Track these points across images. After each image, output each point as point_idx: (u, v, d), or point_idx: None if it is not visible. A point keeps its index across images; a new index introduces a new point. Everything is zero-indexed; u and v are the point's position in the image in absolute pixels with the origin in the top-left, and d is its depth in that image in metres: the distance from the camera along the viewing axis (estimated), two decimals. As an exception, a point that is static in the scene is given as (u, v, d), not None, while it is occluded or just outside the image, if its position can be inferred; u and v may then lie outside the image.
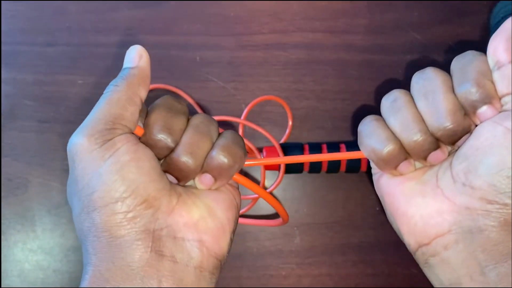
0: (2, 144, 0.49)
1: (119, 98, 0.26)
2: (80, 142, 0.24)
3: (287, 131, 0.49)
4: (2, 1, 0.54)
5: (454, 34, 0.53)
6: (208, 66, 0.51)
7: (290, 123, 0.49)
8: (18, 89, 0.51)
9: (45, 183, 0.49)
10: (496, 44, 0.26)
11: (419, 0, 0.55)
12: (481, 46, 0.53)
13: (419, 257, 0.27)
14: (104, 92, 0.26)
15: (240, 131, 0.48)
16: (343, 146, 0.47)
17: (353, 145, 0.47)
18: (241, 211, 0.46)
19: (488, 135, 0.25)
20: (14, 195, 0.48)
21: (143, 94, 0.27)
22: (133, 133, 0.26)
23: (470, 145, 0.25)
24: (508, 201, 0.23)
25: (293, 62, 0.52)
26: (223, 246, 0.26)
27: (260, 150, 0.49)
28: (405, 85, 0.51)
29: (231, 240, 0.27)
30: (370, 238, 0.48)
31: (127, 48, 0.28)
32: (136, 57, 0.27)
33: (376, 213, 0.48)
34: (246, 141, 0.48)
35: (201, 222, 0.26)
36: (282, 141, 0.49)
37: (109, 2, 0.53)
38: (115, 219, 0.24)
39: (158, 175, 0.25)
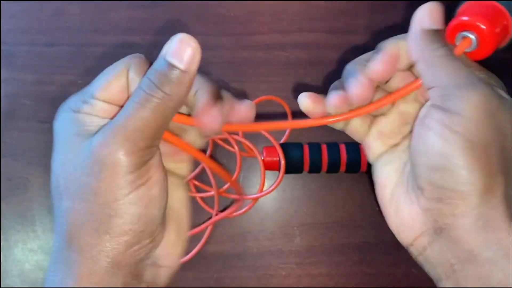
0: (2, 144, 0.49)
1: (166, 108, 0.22)
2: (117, 157, 0.21)
3: (287, 131, 0.49)
4: (2, 1, 0.54)
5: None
6: (208, 66, 0.51)
7: (290, 123, 0.49)
8: (18, 89, 0.51)
9: (45, 183, 0.49)
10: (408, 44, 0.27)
11: (419, 0, 0.55)
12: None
13: (412, 254, 0.28)
14: (141, 88, 0.22)
15: (240, 132, 0.48)
16: (343, 146, 0.47)
17: (353, 145, 0.47)
18: (241, 211, 0.47)
19: (419, 136, 0.26)
20: (14, 195, 0.48)
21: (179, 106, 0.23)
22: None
23: (411, 149, 0.27)
24: (452, 194, 0.24)
25: (293, 62, 0.52)
26: (177, 260, 0.27)
27: (260, 150, 0.49)
28: (405, 85, 0.52)
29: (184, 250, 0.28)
30: (370, 238, 0.48)
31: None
32: (190, 56, 0.23)
33: (376, 213, 0.48)
34: (246, 141, 0.48)
35: (174, 251, 0.26)
36: (282, 141, 0.49)
37: (109, 2, 0.53)
38: (120, 248, 0.22)
39: (166, 202, 0.25)
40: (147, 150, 0.22)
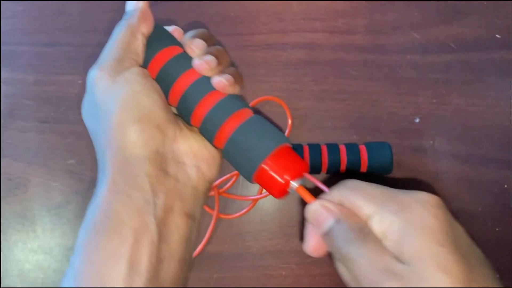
0: (2, 144, 0.49)
1: (123, 36, 0.30)
2: (96, 74, 0.29)
3: (287, 131, 0.49)
4: (2, 1, 0.54)
5: (454, 34, 0.53)
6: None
7: (289, 122, 0.49)
8: (18, 89, 0.51)
9: (45, 183, 0.49)
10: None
11: (419, 0, 0.55)
12: (480, 46, 0.53)
13: None
14: (111, 35, 0.30)
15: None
16: (343, 147, 0.47)
17: (353, 146, 0.47)
18: (241, 213, 0.47)
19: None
20: (14, 195, 0.48)
21: (144, 30, 0.31)
22: (141, 67, 0.30)
23: None
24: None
25: (293, 62, 0.52)
26: (214, 172, 0.30)
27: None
28: (405, 84, 0.52)
29: (220, 169, 0.31)
30: (370, 238, 0.48)
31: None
32: (134, 1, 0.31)
33: (376, 213, 0.48)
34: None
35: (199, 152, 0.30)
36: (282, 141, 0.49)
37: (109, 2, 0.53)
38: (130, 139, 0.27)
39: (166, 106, 0.29)
40: (118, 64, 0.29)
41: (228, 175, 0.47)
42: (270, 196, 0.47)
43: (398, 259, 0.22)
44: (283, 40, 0.53)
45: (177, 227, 0.27)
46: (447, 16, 0.54)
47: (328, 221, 0.25)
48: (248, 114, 0.30)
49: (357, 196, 0.25)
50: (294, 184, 0.28)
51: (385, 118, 0.50)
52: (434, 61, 0.52)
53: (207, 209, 0.47)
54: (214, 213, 0.46)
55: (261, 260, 0.46)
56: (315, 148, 0.46)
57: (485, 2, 0.54)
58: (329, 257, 0.27)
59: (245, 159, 0.28)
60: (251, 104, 0.49)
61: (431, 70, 0.52)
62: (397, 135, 0.50)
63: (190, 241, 0.29)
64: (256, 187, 0.48)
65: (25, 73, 0.52)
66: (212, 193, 0.47)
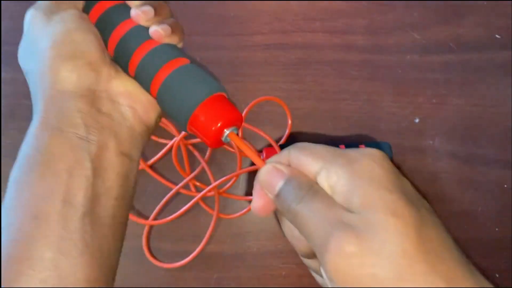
0: (2, 144, 0.49)
1: None
2: (32, 13, 0.29)
3: (287, 131, 0.49)
4: (2, 1, 0.54)
5: (454, 34, 0.53)
6: (208, 66, 0.51)
7: (289, 122, 0.49)
8: (18, 89, 0.51)
9: (45, 183, 0.49)
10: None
11: (419, 0, 0.55)
12: (480, 46, 0.53)
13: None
14: None
15: (240, 133, 0.48)
16: (342, 147, 0.47)
17: (352, 146, 0.47)
18: (241, 213, 0.47)
19: None
20: (14, 195, 0.48)
21: None
22: (80, 11, 0.30)
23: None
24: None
25: (293, 62, 0.52)
26: (151, 117, 0.31)
27: (260, 151, 0.49)
28: (404, 84, 0.52)
29: (159, 117, 0.32)
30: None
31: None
32: None
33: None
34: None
35: (134, 94, 0.30)
36: (281, 141, 0.49)
37: (109, 2, 0.53)
38: (63, 74, 0.27)
39: (101, 47, 0.29)
40: (54, 5, 0.30)
41: (228, 176, 0.47)
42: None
43: (349, 211, 0.22)
44: (283, 40, 0.53)
45: (113, 164, 0.27)
46: (447, 16, 0.54)
47: (279, 183, 0.24)
48: (184, 62, 0.29)
49: (305, 155, 0.25)
50: (227, 131, 0.27)
51: (385, 118, 0.50)
52: (434, 61, 0.52)
53: (207, 209, 0.47)
54: (214, 213, 0.46)
55: (261, 260, 0.46)
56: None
57: (485, 2, 0.54)
58: (276, 218, 0.27)
59: (179, 106, 0.28)
60: (251, 104, 0.49)
61: (431, 70, 0.52)
62: (397, 135, 0.50)
63: (128, 180, 0.29)
64: (256, 187, 0.48)
65: (25, 73, 0.52)
66: (212, 193, 0.47)
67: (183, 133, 0.48)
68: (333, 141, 0.49)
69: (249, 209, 0.47)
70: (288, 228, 0.27)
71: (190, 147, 0.49)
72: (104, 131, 0.28)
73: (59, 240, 0.24)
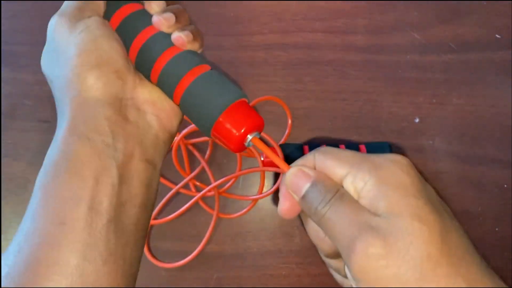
0: (2, 144, 0.49)
1: None
2: (56, 20, 0.29)
3: (287, 131, 0.49)
4: (2, 1, 0.54)
5: (454, 34, 0.53)
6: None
7: (289, 122, 0.49)
8: (18, 89, 0.51)
9: (45, 183, 0.49)
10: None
11: (419, 0, 0.55)
12: (480, 46, 0.53)
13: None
14: None
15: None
16: (342, 147, 0.47)
17: (352, 146, 0.47)
18: (241, 212, 0.47)
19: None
20: (15, 194, 0.48)
21: None
22: (102, 18, 0.30)
23: None
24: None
25: (293, 62, 0.52)
26: (174, 124, 0.31)
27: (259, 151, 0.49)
28: (405, 84, 0.52)
29: (180, 123, 0.32)
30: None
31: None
32: None
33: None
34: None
35: (158, 102, 0.30)
36: (281, 141, 0.49)
37: (109, 2, 0.53)
38: (90, 81, 0.27)
39: (125, 55, 0.30)
40: (78, 13, 0.29)
41: (228, 176, 0.47)
42: (271, 195, 0.47)
43: (375, 215, 0.23)
44: (283, 40, 0.53)
45: (138, 172, 0.28)
46: (447, 16, 0.54)
47: (305, 185, 0.25)
48: (206, 69, 0.30)
49: (331, 159, 0.25)
50: (250, 137, 0.28)
51: (385, 118, 0.50)
52: (433, 61, 0.52)
53: (207, 208, 0.47)
54: (214, 213, 0.46)
55: (261, 260, 0.46)
56: (315, 148, 0.46)
57: (485, 2, 0.54)
58: (300, 220, 0.27)
59: (204, 113, 0.28)
60: (251, 104, 0.49)
61: (431, 70, 0.52)
62: (397, 135, 0.50)
63: (151, 187, 0.29)
64: (256, 187, 0.48)
65: (25, 73, 0.52)
66: (212, 193, 0.47)
67: (183, 133, 0.48)
68: (333, 141, 0.49)
69: (249, 209, 0.47)
70: (312, 228, 0.27)
71: (190, 147, 0.49)
72: (130, 139, 0.28)
73: (84, 247, 0.24)
